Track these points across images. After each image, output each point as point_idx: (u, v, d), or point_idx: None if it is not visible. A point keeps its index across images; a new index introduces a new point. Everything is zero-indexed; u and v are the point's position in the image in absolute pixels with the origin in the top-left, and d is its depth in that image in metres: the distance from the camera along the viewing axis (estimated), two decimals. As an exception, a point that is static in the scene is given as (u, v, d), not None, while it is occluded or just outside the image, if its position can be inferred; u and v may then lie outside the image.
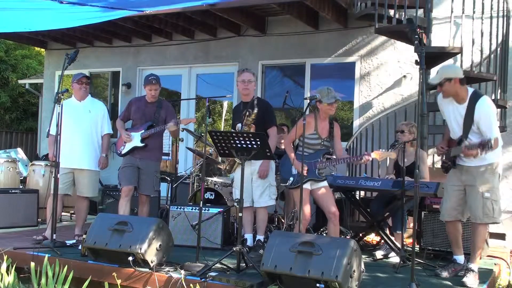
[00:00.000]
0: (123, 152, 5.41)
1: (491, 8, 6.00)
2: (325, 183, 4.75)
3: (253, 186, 4.95)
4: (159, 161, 5.62)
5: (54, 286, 3.86)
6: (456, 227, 4.40)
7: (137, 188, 5.40)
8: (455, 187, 4.32)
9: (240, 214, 4.21)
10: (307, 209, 4.65)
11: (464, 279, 4.07)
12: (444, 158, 4.39)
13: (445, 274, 4.30)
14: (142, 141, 5.33)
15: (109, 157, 5.65)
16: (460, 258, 4.39)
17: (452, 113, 4.29)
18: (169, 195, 6.76)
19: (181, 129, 8.24)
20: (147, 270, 4.09)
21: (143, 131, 5.34)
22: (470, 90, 4.25)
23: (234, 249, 4.11)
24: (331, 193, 4.79)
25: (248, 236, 5.08)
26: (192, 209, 5.40)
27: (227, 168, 5.21)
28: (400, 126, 5.42)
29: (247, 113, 4.96)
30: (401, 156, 4.96)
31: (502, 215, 6.36)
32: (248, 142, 4.17)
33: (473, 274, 4.13)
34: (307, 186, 4.66)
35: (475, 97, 4.17)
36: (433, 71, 6.10)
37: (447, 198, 4.39)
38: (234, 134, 4.21)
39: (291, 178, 4.76)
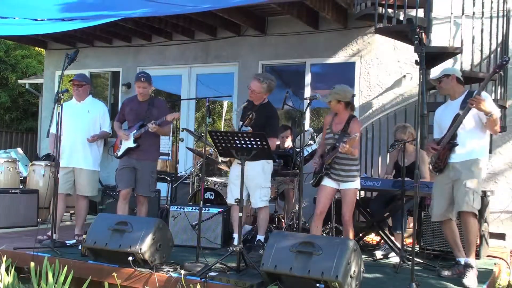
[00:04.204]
0: (119, 154, 5.38)
1: (491, 8, 6.00)
2: (350, 185, 4.56)
3: (249, 186, 4.88)
4: (156, 161, 5.57)
5: (54, 286, 3.86)
6: (451, 228, 4.41)
7: (134, 188, 5.38)
8: (445, 186, 4.34)
9: (240, 214, 4.20)
10: (318, 205, 4.62)
11: (464, 280, 4.07)
12: (436, 159, 4.38)
13: (447, 273, 4.30)
14: (134, 141, 5.28)
15: (108, 158, 5.62)
16: (463, 260, 4.36)
17: (449, 114, 4.34)
18: (169, 195, 6.76)
19: (181, 129, 8.29)
20: (147, 270, 4.09)
21: (135, 131, 5.30)
22: (466, 90, 4.41)
23: (234, 249, 4.11)
24: (350, 198, 4.56)
25: (236, 236, 5.02)
26: (192, 209, 5.40)
27: (227, 163, 5.15)
28: (399, 136, 5.25)
29: (251, 115, 4.92)
30: (401, 156, 4.95)
31: (502, 215, 6.40)
32: (248, 142, 4.17)
33: (473, 272, 4.13)
34: (328, 183, 4.61)
35: (472, 91, 4.31)
36: (433, 71, 6.11)
37: (437, 197, 4.41)
38: (234, 134, 4.21)
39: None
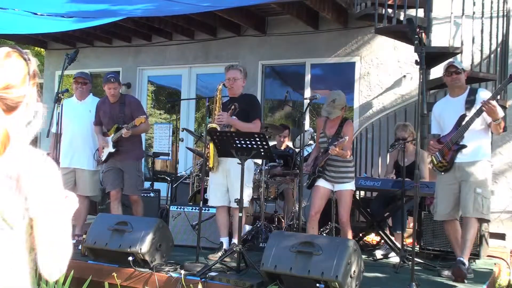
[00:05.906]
0: (103, 159, 5.33)
1: (491, 8, 6.00)
2: (345, 186, 4.56)
3: (230, 187, 4.75)
4: (140, 159, 5.55)
5: (54, 287, 3.86)
6: (454, 227, 4.40)
7: (122, 189, 5.34)
8: (451, 186, 4.33)
9: (240, 214, 4.20)
10: (313, 206, 4.59)
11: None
12: (441, 158, 4.38)
13: (447, 273, 4.30)
14: (113, 146, 5.22)
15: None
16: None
17: (451, 111, 4.35)
18: (169, 195, 6.76)
19: (181, 129, 8.28)
20: (147, 270, 4.09)
21: (113, 135, 5.24)
22: (468, 88, 4.48)
23: (234, 249, 4.11)
24: (346, 199, 4.56)
25: (224, 240, 4.87)
26: (192, 209, 5.40)
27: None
28: (400, 134, 5.26)
29: (233, 106, 4.83)
30: (401, 156, 4.95)
31: (502, 215, 6.40)
32: (248, 142, 4.17)
33: (465, 267, 4.12)
34: (322, 183, 4.59)
35: (474, 89, 4.40)
36: (433, 71, 6.12)
37: (442, 197, 4.40)
38: (234, 134, 4.20)
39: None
